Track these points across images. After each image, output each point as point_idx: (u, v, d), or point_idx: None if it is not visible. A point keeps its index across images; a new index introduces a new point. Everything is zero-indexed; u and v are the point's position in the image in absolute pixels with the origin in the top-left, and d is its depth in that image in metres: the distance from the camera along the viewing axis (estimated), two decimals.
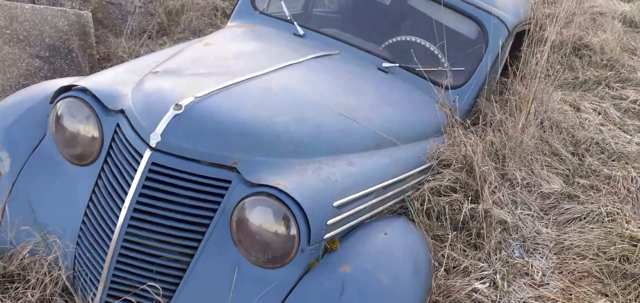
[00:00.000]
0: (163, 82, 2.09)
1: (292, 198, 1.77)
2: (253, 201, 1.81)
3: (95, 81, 2.12)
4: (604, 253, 2.18)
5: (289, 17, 3.29)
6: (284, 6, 3.33)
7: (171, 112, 1.84)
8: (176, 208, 1.83)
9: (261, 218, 1.79)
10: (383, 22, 3.58)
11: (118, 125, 1.98)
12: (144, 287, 1.79)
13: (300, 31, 3.20)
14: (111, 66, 4.41)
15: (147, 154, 1.81)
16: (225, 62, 2.45)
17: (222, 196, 1.85)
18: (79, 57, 4.10)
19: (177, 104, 1.86)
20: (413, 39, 3.30)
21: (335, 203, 1.92)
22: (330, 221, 1.88)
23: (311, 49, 2.96)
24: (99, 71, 4.26)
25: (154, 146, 1.81)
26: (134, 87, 2.10)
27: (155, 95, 1.97)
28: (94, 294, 1.84)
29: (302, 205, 1.77)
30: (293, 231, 1.77)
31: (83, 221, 1.94)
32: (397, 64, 3.06)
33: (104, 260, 1.83)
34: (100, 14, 4.81)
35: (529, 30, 3.87)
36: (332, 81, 2.63)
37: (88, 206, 1.95)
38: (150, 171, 1.81)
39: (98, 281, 1.84)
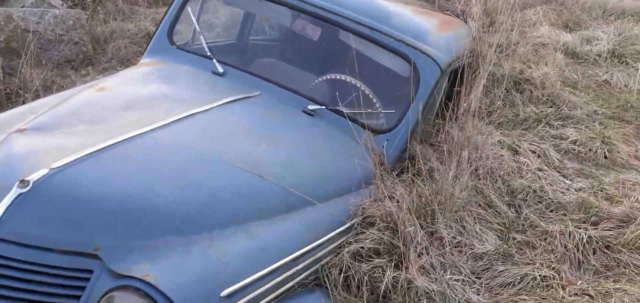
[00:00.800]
0: (21, 146, 1.76)
1: (162, 293, 1.47)
2: (118, 297, 1.50)
3: None
4: None
5: (208, 53, 3.01)
6: (203, 41, 3.05)
7: (15, 191, 1.52)
8: None
9: None
10: (312, 59, 3.34)
11: None
12: None
13: (220, 69, 2.92)
14: (21, 102, 4.03)
15: None
16: (111, 115, 2.14)
17: (82, 289, 1.54)
18: None
19: (22, 181, 1.54)
20: (342, 77, 3.07)
21: (224, 292, 1.63)
22: None
23: (226, 92, 2.68)
24: (8, 108, 3.87)
25: None
26: None
27: (3, 166, 1.65)
28: None
29: (174, 300, 1.47)
30: None
31: None
32: (324, 106, 2.82)
33: None
34: (15, 42, 4.41)
35: (468, 64, 3.70)
36: (241, 132, 2.35)
37: None
38: None
39: None
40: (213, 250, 1.70)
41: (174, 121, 2.15)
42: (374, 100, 3.02)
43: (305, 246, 2.01)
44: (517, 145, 3.11)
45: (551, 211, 2.68)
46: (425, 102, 2.88)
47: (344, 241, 2.24)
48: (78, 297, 1.53)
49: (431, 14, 3.59)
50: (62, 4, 5.34)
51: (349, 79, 3.06)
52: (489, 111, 3.56)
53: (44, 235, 1.52)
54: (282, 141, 2.41)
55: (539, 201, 2.72)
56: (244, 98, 2.69)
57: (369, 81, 3.12)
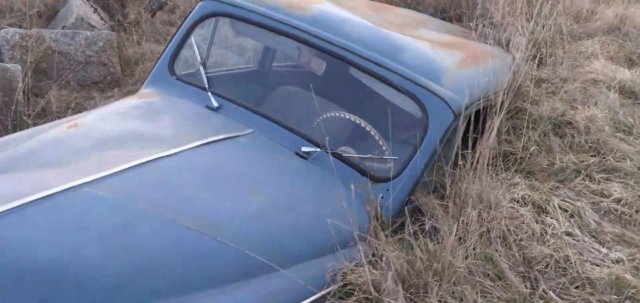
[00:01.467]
0: None
1: None
2: None
3: None
4: None
5: (206, 85, 2.85)
6: (202, 72, 2.89)
7: None
8: None
9: None
10: (317, 94, 3.09)
11: None
12: None
13: (214, 103, 2.75)
14: (42, 123, 4.06)
15: None
16: (68, 158, 1.99)
17: None
18: (0, 114, 3.74)
19: None
20: (345, 115, 2.80)
21: None
22: None
23: (213, 129, 2.50)
24: (27, 127, 3.90)
25: None
26: None
27: None
28: None
29: None
30: None
31: None
32: (318, 149, 2.56)
33: None
34: (45, 64, 4.47)
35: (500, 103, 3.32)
36: (210, 179, 2.14)
37: None
38: None
39: None
40: None
41: (132, 166, 1.98)
42: (381, 142, 2.73)
43: None
44: (545, 202, 2.69)
45: (576, 287, 2.26)
46: (432, 150, 2.55)
47: None
48: None
49: (456, 47, 3.24)
50: (104, 25, 5.43)
51: (352, 118, 2.79)
52: (520, 158, 3.16)
53: None
54: (258, 190, 2.18)
55: (562, 274, 2.31)
56: (230, 137, 2.50)
57: (376, 120, 2.84)
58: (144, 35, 5.27)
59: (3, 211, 1.55)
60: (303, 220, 2.16)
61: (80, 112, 4.24)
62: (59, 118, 4.14)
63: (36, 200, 1.64)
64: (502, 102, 3.33)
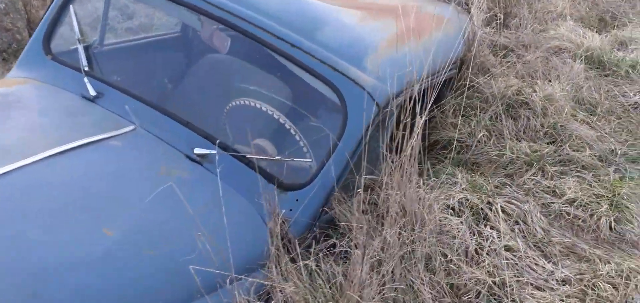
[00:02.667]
0: None
1: None
2: None
3: None
4: None
5: (83, 68, 2.35)
6: (80, 52, 2.38)
7: None
8: None
9: None
10: (224, 78, 2.61)
11: None
12: None
13: (92, 92, 2.26)
14: None
15: None
16: None
17: None
18: None
19: None
20: (255, 105, 2.34)
21: None
22: None
23: (80, 130, 2.03)
24: None
25: None
26: None
27: None
28: None
29: None
30: None
31: None
32: (214, 151, 2.10)
33: None
34: None
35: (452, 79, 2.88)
36: (52, 208, 1.68)
37: None
38: None
39: None
40: None
41: None
42: (298, 139, 2.28)
43: None
44: (487, 206, 2.29)
45: None
46: (352, 151, 2.11)
47: None
48: None
49: (393, 17, 2.73)
50: None
51: (262, 107, 2.32)
52: (466, 146, 2.74)
53: None
54: (117, 219, 1.72)
55: None
56: (102, 140, 2.02)
57: (293, 112, 2.39)
58: None
59: None
60: (175, 256, 1.72)
61: None
62: None
63: None
64: (449, 82, 2.90)
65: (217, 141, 2.03)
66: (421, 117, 2.01)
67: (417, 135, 2.00)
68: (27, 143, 1.88)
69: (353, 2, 2.76)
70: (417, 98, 2.23)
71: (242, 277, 1.78)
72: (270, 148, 2.32)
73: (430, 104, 2.15)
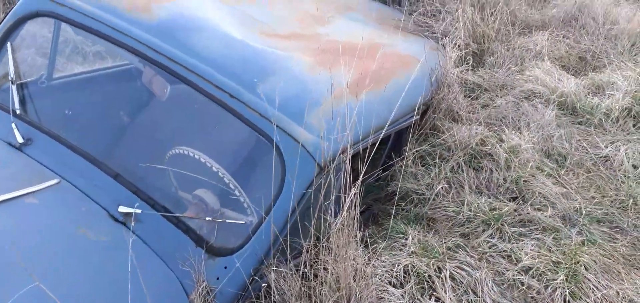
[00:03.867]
0: None
1: None
2: None
3: None
4: None
5: (17, 111, 2.22)
6: (13, 93, 2.26)
7: None
8: None
9: None
10: (160, 125, 2.48)
11: None
12: None
13: (19, 138, 2.14)
14: None
15: None
16: None
17: None
18: None
19: None
20: (190, 154, 2.21)
21: None
22: None
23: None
24: None
25: None
26: None
27: None
28: None
29: None
30: None
31: None
32: (139, 210, 1.98)
33: None
34: None
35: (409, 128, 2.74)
36: None
37: None
38: None
39: None
40: None
41: None
42: (239, 195, 2.15)
43: None
44: (436, 271, 2.15)
45: None
46: (288, 214, 1.98)
47: None
48: None
49: (351, 64, 2.58)
50: None
51: (201, 158, 2.19)
52: (424, 199, 2.61)
53: None
54: (19, 292, 1.59)
55: None
56: (17, 197, 1.89)
57: (232, 165, 2.26)
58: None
59: None
60: None
61: None
62: None
63: None
64: (413, 128, 2.77)
65: (137, 204, 1.90)
66: (358, 182, 1.88)
67: (354, 203, 1.87)
68: None
69: (313, 42, 2.64)
70: (362, 155, 2.10)
71: None
72: (212, 199, 2.19)
73: (383, 158, 2.02)
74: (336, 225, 1.89)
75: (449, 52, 3.42)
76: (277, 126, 2.00)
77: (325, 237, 1.98)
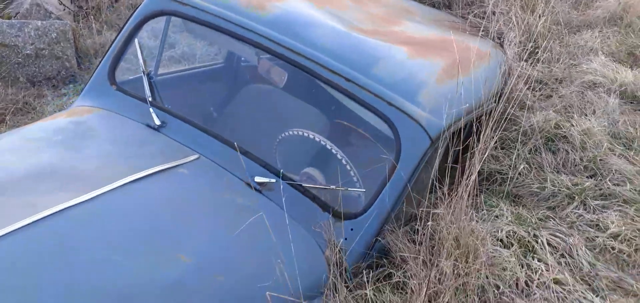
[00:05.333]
0: None
1: None
2: None
3: None
4: None
5: (148, 99, 2.47)
6: (145, 83, 2.51)
7: None
8: None
9: None
10: (280, 110, 2.73)
11: None
12: None
13: (157, 121, 2.38)
14: None
15: None
16: None
17: None
18: None
19: None
20: (310, 136, 2.44)
21: None
22: None
23: (147, 159, 2.15)
24: None
25: None
26: None
27: None
28: None
29: None
30: None
31: None
32: (273, 180, 2.21)
33: None
34: None
35: (490, 112, 2.95)
36: (131, 234, 1.79)
37: None
38: None
39: None
40: None
41: (26, 225, 1.62)
42: (349, 169, 2.37)
43: None
44: (533, 238, 2.36)
45: None
46: (404, 183, 2.20)
47: None
48: None
49: (440, 51, 2.83)
50: (64, 10, 4.99)
51: (316, 138, 2.42)
52: (508, 178, 2.81)
53: None
54: (189, 245, 1.82)
55: None
56: (169, 168, 2.13)
57: (345, 144, 2.49)
58: (105, 23, 4.84)
59: None
60: (242, 282, 1.81)
61: (26, 113, 3.87)
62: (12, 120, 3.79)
63: None
64: (489, 115, 2.98)
65: (281, 171, 2.13)
66: (478, 152, 2.10)
67: (476, 170, 2.09)
68: (104, 172, 1.99)
69: (398, 37, 2.87)
70: (461, 131, 2.33)
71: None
72: (320, 177, 2.42)
73: (484, 134, 2.24)
74: (456, 190, 2.10)
75: (507, 49, 3.65)
76: (392, 104, 2.23)
77: (445, 202, 2.20)
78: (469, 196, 2.21)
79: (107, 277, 1.58)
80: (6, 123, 3.57)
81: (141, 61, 2.55)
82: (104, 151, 2.14)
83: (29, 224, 1.60)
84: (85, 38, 4.55)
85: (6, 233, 1.54)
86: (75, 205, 1.75)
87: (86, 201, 1.78)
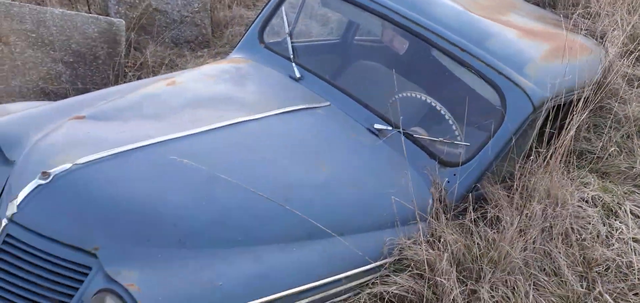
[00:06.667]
0: (65, 135, 1.92)
1: None
2: (108, 299, 1.58)
3: (5, 122, 2.01)
4: None
5: (290, 56, 3.01)
6: (288, 42, 3.06)
7: (36, 181, 1.67)
8: (29, 288, 1.65)
9: None
10: (396, 73, 3.17)
11: (7, 179, 1.86)
12: None
13: (297, 73, 2.92)
14: (135, 77, 4.42)
15: (3, 223, 1.66)
16: (165, 113, 2.24)
17: (81, 283, 1.64)
18: (104, 64, 4.14)
19: (44, 172, 1.68)
20: (421, 96, 2.87)
21: None
22: None
23: (293, 99, 2.67)
24: (126, 81, 4.28)
25: (9, 216, 1.65)
26: (41, 135, 1.96)
27: (39, 153, 1.81)
28: None
29: None
30: None
31: None
32: (390, 127, 2.67)
33: None
34: (145, 20, 4.85)
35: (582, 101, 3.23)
36: (286, 146, 2.32)
37: None
38: (5, 242, 1.65)
39: None
40: (209, 271, 1.70)
41: (221, 127, 2.19)
42: (454, 127, 2.78)
43: (318, 280, 1.93)
44: (616, 205, 2.65)
45: (635, 294, 2.25)
46: (506, 141, 2.58)
47: (367, 281, 2.11)
48: (76, 289, 1.64)
49: (544, 37, 3.17)
50: None
51: (428, 99, 2.85)
52: (597, 157, 3.09)
53: (54, 226, 1.65)
54: (328, 161, 2.33)
55: (622, 280, 2.29)
56: (309, 108, 2.65)
57: (453, 104, 2.89)
58: (235, 0, 5.52)
59: (109, 155, 1.81)
60: (366, 195, 2.29)
61: (172, 68, 4.60)
62: (154, 72, 4.53)
63: (136, 148, 1.90)
64: (586, 100, 3.26)
65: (401, 118, 2.58)
66: (577, 118, 2.43)
67: (571, 134, 2.43)
68: (261, 103, 2.54)
69: (508, 22, 3.22)
70: (562, 106, 2.66)
71: (417, 221, 2.30)
72: (426, 135, 2.84)
73: (583, 114, 2.56)
74: (554, 148, 2.45)
75: (609, 48, 3.86)
76: (502, 73, 2.61)
77: (535, 163, 2.55)
78: (561, 159, 2.54)
79: (276, 171, 2.11)
80: (159, 74, 4.29)
81: (286, 24, 3.09)
82: (260, 90, 2.69)
83: (222, 126, 2.18)
84: (218, 11, 5.24)
85: (209, 130, 2.12)
86: (249, 120, 2.30)
87: (256, 119, 2.33)
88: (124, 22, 4.23)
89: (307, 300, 1.90)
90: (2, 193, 1.83)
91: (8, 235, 1.64)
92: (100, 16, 4.15)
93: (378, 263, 2.14)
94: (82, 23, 3.97)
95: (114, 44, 4.14)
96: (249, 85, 2.70)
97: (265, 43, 3.13)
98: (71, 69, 3.96)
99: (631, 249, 2.41)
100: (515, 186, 2.54)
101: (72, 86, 3.93)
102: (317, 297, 1.94)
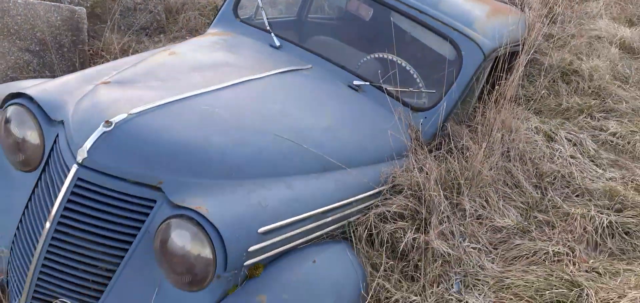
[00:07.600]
0: (106, 94, 2.13)
1: (211, 223, 1.79)
2: (174, 224, 1.83)
3: (42, 90, 2.18)
4: (541, 296, 2.14)
5: (267, 28, 3.31)
6: (264, 16, 3.35)
7: (100, 130, 1.88)
8: (101, 224, 1.87)
9: (181, 241, 1.82)
10: (362, 37, 3.57)
11: (58, 136, 2.04)
12: (64, 300, 1.85)
13: (277, 42, 3.22)
14: (103, 62, 4.51)
15: (74, 169, 1.86)
16: (180, 75, 2.47)
17: (147, 215, 1.88)
18: (69, 52, 4.19)
19: (107, 121, 1.89)
20: (389, 56, 3.29)
21: (261, 229, 1.93)
22: (252, 248, 1.89)
23: (281, 63, 2.97)
24: (90, 66, 4.36)
25: (80, 161, 1.85)
26: (79, 98, 2.15)
27: (92, 109, 2.01)
28: (18, 301, 1.90)
29: (221, 230, 1.79)
30: (209, 256, 1.79)
31: (17, 228, 2.01)
32: (368, 83, 3.05)
33: (28, 269, 1.89)
34: (99, 9, 4.91)
35: (517, 53, 3.80)
36: (290, 99, 2.63)
37: (23, 213, 2.02)
38: (76, 186, 1.85)
39: (22, 289, 1.90)
40: (255, 195, 2.00)
41: (233, 84, 2.47)
42: (418, 79, 3.22)
43: (335, 203, 2.29)
44: (553, 132, 3.22)
45: (577, 195, 2.80)
46: (465, 85, 3.05)
47: (372, 204, 2.50)
48: (143, 221, 1.88)
49: (483, 2, 3.70)
50: None
51: (394, 58, 3.27)
52: (532, 98, 3.67)
53: (120, 167, 1.86)
54: (326, 111, 2.68)
55: (566, 186, 2.85)
56: (296, 70, 2.98)
57: (415, 61, 3.33)
58: None
59: (154, 107, 2.04)
60: (361, 136, 2.67)
61: (136, 52, 4.71)
62: (120, 57, 4.62)
63: (173, 101, 2.14)
64: (523, 49, 3.84)
65: (379, 72, 2.98)
66: (523, 59, 2.95)
67: (519, 73, 2.94)
68: (257, 65, 2.83)
69: None
70: (502, 57, 3.19)
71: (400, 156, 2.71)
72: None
73: (527, 58, 3.08)
74: (506, 85, 2.96)
75: (528, 12, 4.50)
76: (456, 29, 3.08)
77: (489, 103, 3.05)
78: (509, 98, 3.06)
79: (289, 118, 2.43)
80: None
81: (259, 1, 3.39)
82: (252, 55, 2.97)
83: (233, 84, 2.45)
84: None
85: (224, 87, 2.39)
86: (254, 79, 2.59)
87: (260, 78, 2.63)
88: (85, 9, 4.30)
89: (329, 218, 2.25)
90: (52, 147, 2.02)
91: (80, 179, 1.84)
92: (62, 4, 4.19)
93: (379, 189, 2.53)
94: (45, 11, 4.01)
95: (77, 31, 4.21)
96: (241, 52, 2.97)
97: (240, 18, 3.40)
98: (38, 57, 3.99)
99: (570, 163, 2.97)
100: (475, 121, 3.03)
101: (41, 75, 3.97)
102: (334, 216, 2.30)
